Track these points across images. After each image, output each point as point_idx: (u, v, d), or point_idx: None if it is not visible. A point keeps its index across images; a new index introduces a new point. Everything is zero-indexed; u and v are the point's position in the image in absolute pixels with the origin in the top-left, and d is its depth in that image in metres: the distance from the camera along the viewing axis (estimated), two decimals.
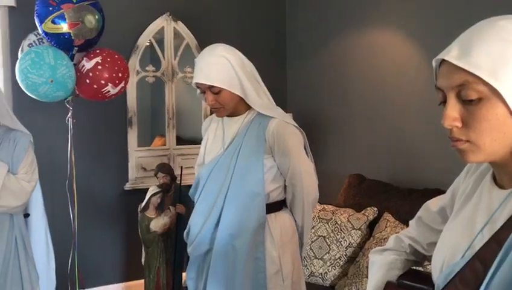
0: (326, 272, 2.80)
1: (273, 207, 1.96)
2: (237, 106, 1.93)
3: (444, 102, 0.86)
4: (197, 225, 1.99)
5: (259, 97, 1.93)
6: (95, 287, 3.51)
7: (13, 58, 2.57)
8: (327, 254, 2.82)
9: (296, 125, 1.98)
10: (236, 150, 1.92)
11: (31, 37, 2.74)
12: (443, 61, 0.85)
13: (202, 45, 3.84)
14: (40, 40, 2.69)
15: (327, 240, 2.85)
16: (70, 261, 2.78)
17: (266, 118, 1.92)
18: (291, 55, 4.22)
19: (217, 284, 1.93)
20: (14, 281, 2.28)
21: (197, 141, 4.02)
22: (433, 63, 0.89)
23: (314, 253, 2.84)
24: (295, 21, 4.18)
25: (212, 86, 1.85)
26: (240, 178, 1.90)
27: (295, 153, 1.93)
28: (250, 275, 1.90)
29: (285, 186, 1.98)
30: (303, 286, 2.08)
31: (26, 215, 2.45)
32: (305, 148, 2.01)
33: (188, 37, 3.85)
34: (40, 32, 2.54)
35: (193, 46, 3.87)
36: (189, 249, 2.05)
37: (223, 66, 1.84)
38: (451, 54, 0.82)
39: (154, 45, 3.76)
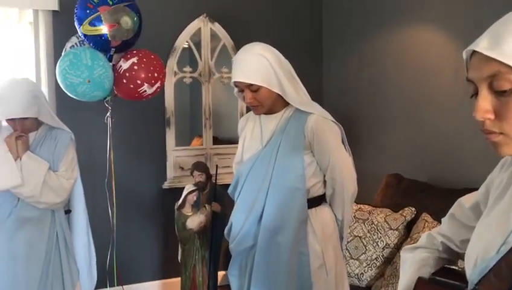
0: (362, 273, 2.75)
1: (314, 202, 1.98)
2: (275, 103, 1.96)
3: (475, 94, 0.83)
4: (239, 221, 2.02)
5: (297, 94, 1.96)
6: (133, 284, 3.58)
7: (56, 60, 2.68)
8: (363, 255, 2.77)
9: (334, 120, 2.00)
10: (276, 146, 1.95)
11: (73, 40, 2.84)
12: (474, 52, 0.83)
13: (238, 45, 3.85)
14: (81, 42, 2.78)
15: (363, 240, 2.80)
16: (109, 257, 2.86)
17: (304, 114, 1.94)
18: (328, 53, 4.18)
19: (262, 280, 1.96)
20: (55, 276, 2.37)
21: (233, 141, 4.06)
22: (464, 55, 0.87)
23: (350, 253, 2.79)
24: (331, 18, 4.13)
25: (251, 84, 1.88)
26: (280, 174, 1.93)
27: (334, 148, 1.96)
28: (295, 270, 1.92)
29: (324, 181, 2.00)
30: (346, 279, 2.10)
31: (68, 211, 2.53)
32: (343, 143, 2.02)
33: (225, 37, 3.88)
34: (80, 34, 2.62)
35: (229, 46, 3.90)
36: (231, 246, 2.09)
37: (261, 64, 1.87)
38: (482, 45, 0.80)
39: (192, 46, 3.81)
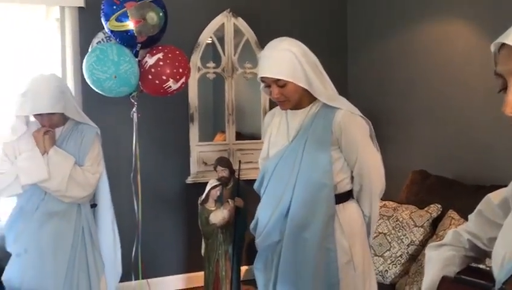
0: (386, 270, 2.72)
1: (341, 198, 1.98)
2: (301, 99, 1.95)
3: (504, 89, 0.81)
4: (265, 216, 2.03)
5: (325, 88, 1.95)
6: (157, 278, 3.63)
7: (82, 56, 2.72)
8: (388, 252, 2.74)
9: (362, 115, 1.98)
10: (302, 142, 1.94)
11: (100, 35, 2.87)
12: (503, 45, 0.81)
13: (262, 40, 3.86)
14: (107, 38, 2.81)
15: (388, 237, 2.77)
16: (134, 251, 2.89)
17: (332, 109, 1.93)
18: (353, 47, 4.14)
19: (288, 276, 1.96)
20: (81, 268, 2.40)
21: (255, 137, 4.06)
22: (492, 48, 0.85)
23: (374, 250, 2.77)
24: (356, 11, 4.09)
25: (278, 80, 1.87)
26: (307, 170, 1.92)
27: (362, 144, 1.94)
28: (321, 266, 1.92)
29: (352, 177, 1.99)
30: (373, 275, 2.09)
31: (94, 205, 2.56)
32: (371, 139, 2.01)
33: (248, 33, 3.87)
34: (107, 30, 2.66)
35: (253, 42, 3.89)
36: (257, 241, 2.09)
37: (288, 59, 1.86)
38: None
39: (215, 41, 3.82)
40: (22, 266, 2.36)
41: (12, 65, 3.36)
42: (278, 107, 2.07)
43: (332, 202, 1.93)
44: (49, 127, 2.35)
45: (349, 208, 1.99)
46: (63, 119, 2.42)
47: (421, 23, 3.38)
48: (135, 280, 2.91)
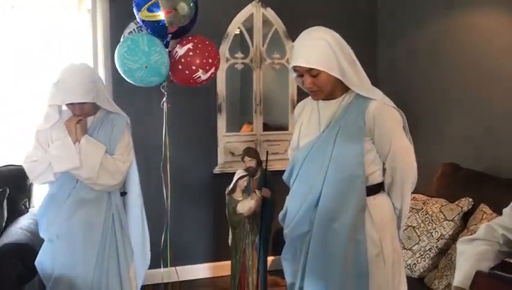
0: (415, 264, 2.69)
1: (372, 190, 1.96)
2: (334, 89, 1.93)
3: None
4: (295, 207, 2.02)
5: (359, 78, 1.92)
6: (185, 266, 3.67)
7: (113, 46, 2.75)
8: (416, 245, 2.71)
9: (396, 107, 1.95)
10: (334, 133, 1.92)
11: (131, 26, 2.90)
12: None
13: (290, 30, 3.84)
14: (139, 28, 2.83)
15: (417, 230, 2.74)
16: (162, 239, 2.93)
17: (365, 100, 1.90)
18: (383, 37, 4.08)
19: (317, 267, 1.96)
20: (111, 256, 2.44)
21: (282, 128, 4.06)
22: None
23: (402, 243, 2.74)
24: (386, 2, 4.02)
25: (311, 69, 1.85)
26: (339, 161, 1.90)
27: (395, 135, 1.92)
28: (351, 258, 1.91)
29: (383, 169, 1.97)
30: (403, 268, 2.08)
31: (123, 193, 2.60)
32: (404, 131, 1.97)
33: (277, 23, 3.86)
34: (138, 20, 2.68)
35: (281, 32, 3.88)
36: (285, 231, 2.09)
37: (321, 48, 1.84)
38: None
39: (244, 31, 3.82)
40: (54, 251, 2.42)
41: (45, 55, 3.43)
42: (309, 98, 2.05)
43: (363, 194, 1.91)
44: (81, 116, 2.38)
45: (380, 201, 1.97)
46: (95, 108, 2.45)
47: (452, 13, 3.31)
48: (164, 267, 2.95)
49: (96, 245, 2.40)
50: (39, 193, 3.17)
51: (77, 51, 3.46)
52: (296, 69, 1.91)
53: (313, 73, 1.86)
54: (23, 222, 2.90)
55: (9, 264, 2.47)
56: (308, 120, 2.05)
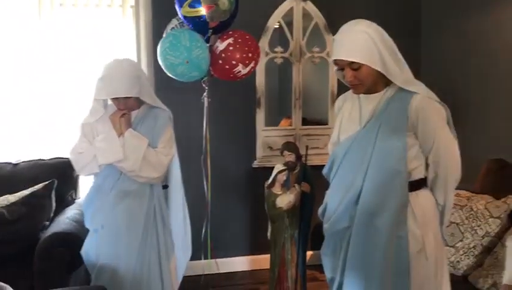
0: (458, 261, 2.63)
1: (414, 185, 1.93)
2: (376, 83, 1.91)
3: None
4: (335, 202, 2.01)
5: (401, 72, 1.88)
6: (225, 258, 3.72)
7: (156, 42, 2.80)
8: (460, 242, 2.65)
9: (440, 101, 1.91)
10: (376, 127, 1.90)
11: (174, 22, 2.95)
12: None
13: (331, 24, 3.80)
14: (181, 24, 2.88)
15: (460, 227, 2.67)
16: (203, 231, 2.97)
17: (408, 94, 1.87)
18: (427, 29, 3.98)
19: (357, 262, 1.95)
20: (152, 247, 2.49)
21: (321, 122, 4.03)
22: None
23: (445, 240, 2.67)
24: None
25: (352, 62, 1.83)
26: (380, 156, 1.88)
27: (439, 130, 1.88)
28: (392, 254, 1.89)
29: (426, 165, 1.93)
30: (445, 265, 2.04)
31: (165, 186, 2.65)
32: (448, 125, 1.93)
33: (317, 16, 3.83)
34: (180, 16, 2.72)
35: (321, 25, 3.84)
36: (325, 226, 2.08)
37: (364, 41, 1.81)
38: None
39: (283, 25, 3.81)
40: (98, 241, 2.49)
41: (90, 51, 3.53)
42: (350, 91, 2.03)
43: (405, 190, 1.88)
44: (125, 110, 2.44)
45: (423, 196, 1.94)
46: (138, 103, 2.51)
47: (500, 4, 3.19)
48: (204, 259, 3.00)
49: (139, 236, 2.45)
50: (85, 185, 3.28)
51: (121, 47, 3.54)
52: (337, 62, 1.89)
53: (354, 66, 1.84)
54: (70, 213, 3.01)
55: (57, 252, 2.57)
56: (349, 114, 2.03)
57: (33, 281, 2.56)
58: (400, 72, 1.87)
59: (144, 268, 2.46)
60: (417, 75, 1.96)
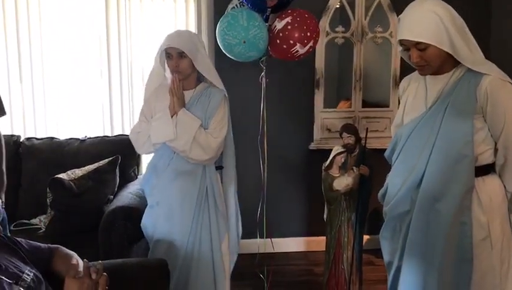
0: None
1: (481, 170, 1.85)
2: (443, 63, 1.84)
3: None
4: (396, 185, 1.97)
5: (470, 52, 1.80)
6: (280, 238, 3.75)
7: (216, 22, 2.81)
8: None
9: None
10: (442, 109, 1.84)
11: (234, 1, 2.96)
12: None
13: (395, 2, 3.66)
14: (241, 3, 2.88)
15: None
16: (259, 211, 3.00)
17: (477, 75, 1.79)
18: (498, 7, 3.75)
19: (417, 247, 1.91)
20: (204, 226, 2.52)
21: (381, 105, 3.92)
22: None
23: None
24: None
25: (418, 43, 1.77)
26: (445, 139, 1.82)
27: (510, 113, 1.78)
28: (454, 241, 1.84)
29: (495, 149, 1.85)
30: None
31: (219, 167, 2.66)
32: None
33: None
34: None
35: (385, 4, 3.72)
36: (385, 209, 2.06)
37: (431, 20, 1.75)
38: None
39: (345, 4, 3.72)
40: (155, 216, 2.55)
41: (150, 30, 3.62)
42: (416, 73, 1.97)
43: (471, 175, 1.81)
44: (176, 72, 2.39)
45: (490, 182, 1.86)
46: (195, 80, 2.51)
47: None
48: (260, 238, 3.03)
49: (191, 214, 2.48)
50: (147, 162, 3.40)
51: (182, 27, 3.60)
52: (402, 42, 1.83)
53: (420, 47, 1.78)
54: (133, 188, 3.13)
55: (120, 225, 2.68)
56: (414, 96, 1.96)
57: (98, 251, 2.69)
58: (469, 52, 1.79)
59: (195, 246, 2.50)
60: (488, 55, 1.86)
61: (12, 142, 3.29)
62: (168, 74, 2.49)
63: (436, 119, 1.84)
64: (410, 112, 1.96)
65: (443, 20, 1.74)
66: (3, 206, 2.22)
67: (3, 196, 2.24)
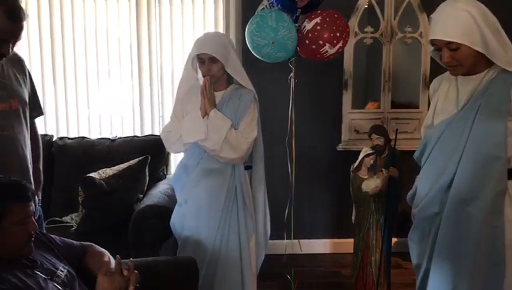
0: None
1: None
2: (476, 64, 1.80)
3: None
4: (425, 187, 1.95)
5: (504, 52, 1.76)
6: (307, 239, 3.74)
7: (245, 23, 2.83)
8: None
9: None
10: (474, 111, 1.81)
11: (264, 2, 2.96)
12: None
13: (425, 2, 3.61)
14: (270, 4, 2.88)
15: None
16: (286, 212, 3.00)
17: None
18: None
19: (446, 251, 1.88)
20: (231, 226, 2.53)
21: (411, 106, 3.87)
22: None
23: None
24: None
25: (450, 42, 1.75)
26: (477, 141, 1.79)
27: None
28: (486, 244, 1.81)
29: None
30: None
31: (248, 167, 2.67)
32: None
33: None
34: None
35: (415, 4, 3.67)
36: (414, 211, 2.03)
37: (463, 20, 1.72)
38: None
39: (374, 4, 3.68)
40: (183, 214, 2.59)
41: (180, 32, 3.67)
42: (447, 73, 1.94)
43: (504, 177, 1.77)
44: (208, 75, 2.43)
45: None
46: (225, 81, 2.54)
47: None
48: (287, 239, 3.03)
49: (219, 213, 2.50)
50: (175, 161, 3.44)
51: (211, 28, 3.64)
52: (434, 42, 1.81)
53: (452, 46, 1.75)
54: (162, 187, 3.17)
55: (150, 223, 2.72)
56: (445, 97, 1.93)
57: (128, 249, 2.74)
58: (503, 52, 1.75)
59: (222, 245, 2.52)
60: None
61: (46, 141, 3.37)
62: (200, 76, 2.53)
63: (467, 121, 1.81)
64: (440, 113, 1.94)
65: (476, 20, 1.71)
66: (40, 204, 2.28)
67: (39, 194, 2.30)
